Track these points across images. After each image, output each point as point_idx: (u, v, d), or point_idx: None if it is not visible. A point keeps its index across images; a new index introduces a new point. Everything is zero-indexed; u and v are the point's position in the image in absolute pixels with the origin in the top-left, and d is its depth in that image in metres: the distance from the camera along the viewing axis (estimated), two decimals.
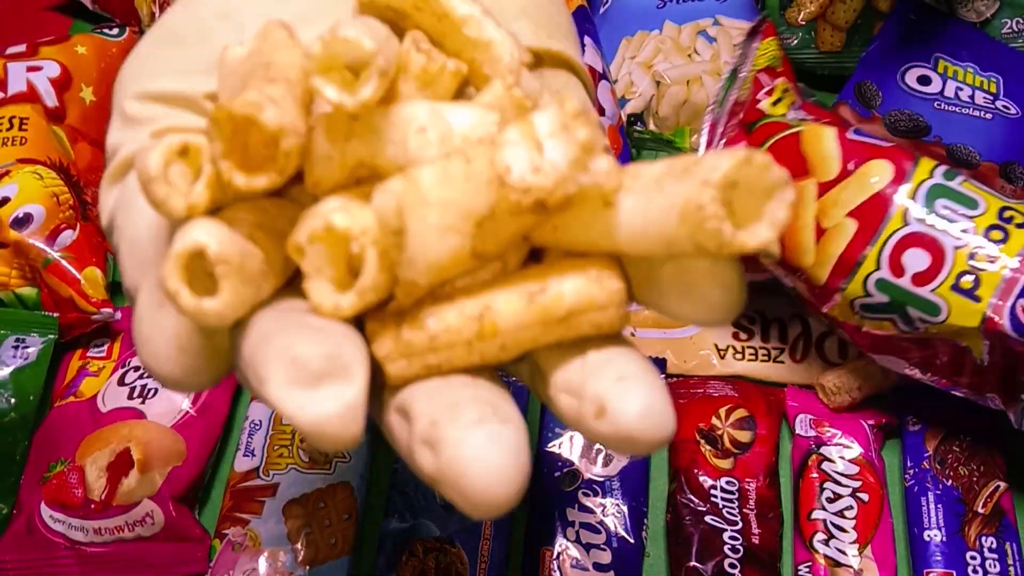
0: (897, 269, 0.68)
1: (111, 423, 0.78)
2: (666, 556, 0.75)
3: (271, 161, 0.35)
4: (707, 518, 0.74)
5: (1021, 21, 0.97)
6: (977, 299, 0.67)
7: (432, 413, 0.33)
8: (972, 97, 0.91)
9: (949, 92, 0.91)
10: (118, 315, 0.83)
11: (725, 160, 0.32)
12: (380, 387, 0.37)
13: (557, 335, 0.36)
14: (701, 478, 0.76)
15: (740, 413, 0.79)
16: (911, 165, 0.70)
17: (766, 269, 0.75)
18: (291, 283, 0.38)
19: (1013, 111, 0.90)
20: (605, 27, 0.98)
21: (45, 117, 0.91)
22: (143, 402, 0.79)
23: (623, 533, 0.74)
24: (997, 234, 0.67)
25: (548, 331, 0.36)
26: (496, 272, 0.36)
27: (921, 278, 0.68)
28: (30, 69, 0.93)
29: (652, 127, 0.92)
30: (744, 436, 0.78)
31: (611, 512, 0.74)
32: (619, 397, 0.33)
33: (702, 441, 0.78)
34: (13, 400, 0.79)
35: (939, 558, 0.72)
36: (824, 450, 0.77)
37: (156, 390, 0.79)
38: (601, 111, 0.86)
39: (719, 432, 0.78)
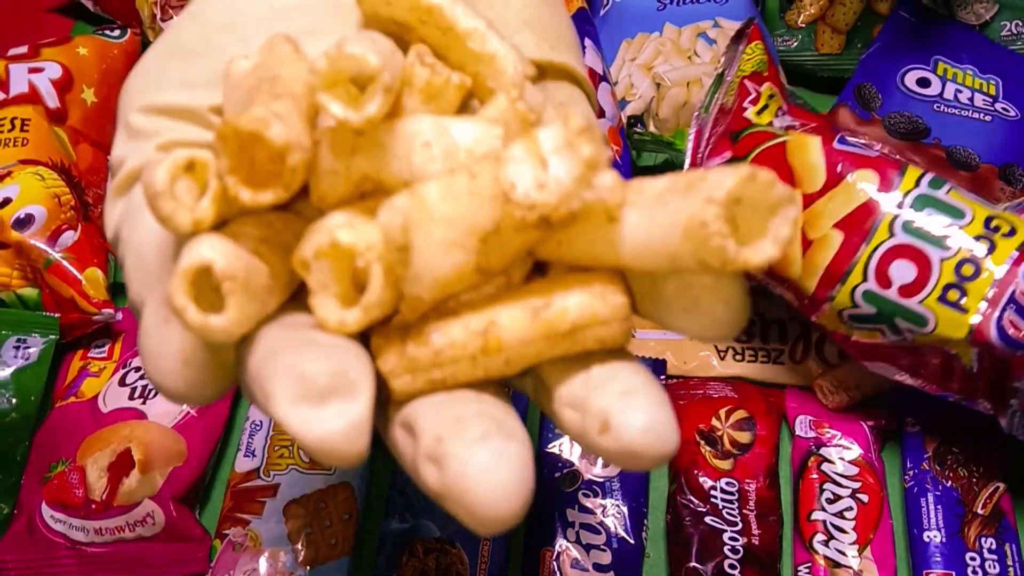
0: (884, 281, 0.68)
1: (112, 423, 0.78)
2: (666, 557, 0.75)
3: (277, 177, 0.35)
4: (707, 519, 0.74)
5: (1020, 23, 0.97)
6: (964, 310, 0.67)
7: (437, 429, 0.33)
8: (971, 99, 0.91)
9: (948, 94, 0.91)
10: (119, 316, 0.83)
11: (729, 177, 0.32)
12: (385, 401, 0.37)
13: (561, 350, 0.36)
14: (701, 479, 0.76)
15: (740, 414, 0.79)
16: (897, 175, 0.70)
17: (756, 276, 0.75)
18: (296, 296, 0.38)
19: (1012, 113, 0.90)
20: (605, 29, 0.98)
21: (47, 118, 0.91)
22: (144, 402, 0.79)
23: (623, 534, 0.74)
24: (983, 245, 0.67)
25: (552, 346, 0.36)
26: (500, 286, 0.37)
27: (908, 290, 0.68)
28: (32, 70, 0.93)
29: (652, 129, 0.92)
30: (744, 437, 0.78)
31: (611, 513, 0.75)
32: (623, 412, 0.33)
33: (702, 442, 0.78)
34: (14, 400, 0.79)
35: (939, 559, 0.72)
36: (824, 451, 0.77)
37: (157, 391, 0.79)
38: (601, 113, 0.85)
39: (719, 433, 0.78)
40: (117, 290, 0.86)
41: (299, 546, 0.73)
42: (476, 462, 0.32)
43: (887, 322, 0.69)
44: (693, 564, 0.72)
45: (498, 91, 0.39)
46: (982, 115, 0.90)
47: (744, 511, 0.74)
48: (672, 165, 0.93)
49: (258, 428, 0.79)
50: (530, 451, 0.33)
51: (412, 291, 0.35)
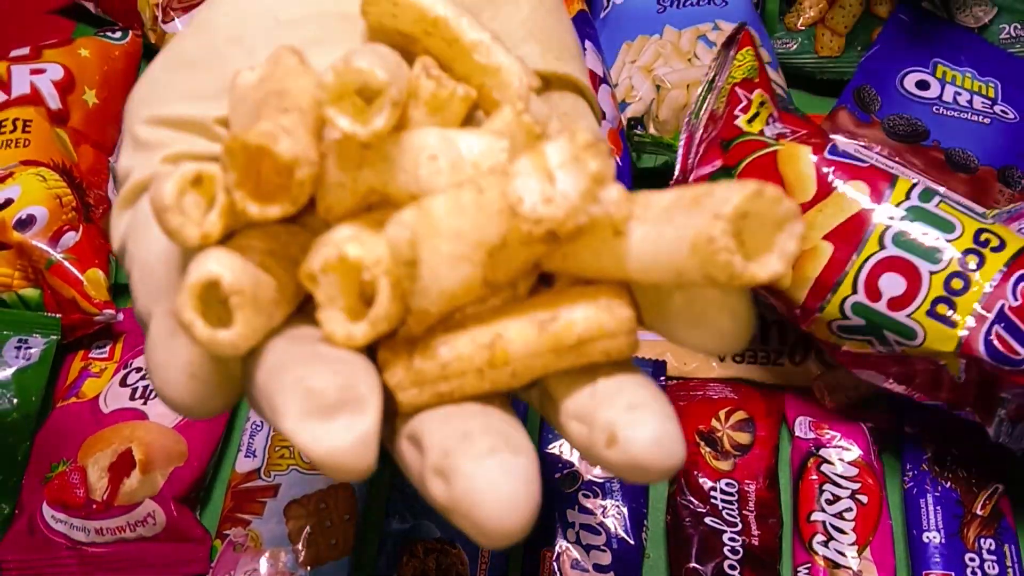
0: (873, 293, 0.68)
1: (113, 424, 0.78)
2: (666, 557, 0.75)
3: (285, 191, 0.35)
4: (707, 519, 0.74)
5: (1019, 26, 0.97)
6: (953, 324, 0.67)
7: (444, 443, 0.34)
8: (970, 102, 0.91)
9: (948, 97, 0.91)
10: (120, 316, 0.83)
11: (736, 193, 0.32)
12: (391, 414, 0.37)
13: (568, 362, 0.36)
14: (701, 480, 0.76)
15: (740, 415, 0.79)
16: (887, 187, 0.70)
17: None
18: (301, 308, 0.38)
19: (1011, 115, 0.90)
20: (605, 31, 0.98)
21: (48, 119, 0.91)
22: (145, 403, 0.79)
23: (623, 534, 0.74)
24: (973, 259, 0.67)
25: (559, 359, 0.36)
26: (506, 299, 0.37)
27: (897, 303, 0.68)
28: (33, 72, 0.93)
29: (652, 131, 0.92)
30: (744, 438, 0.78)
31: (611, 513, 0.75)
32: (630, 426, 0.33)
33: (702, 443, 0.78)
34: (15, 400, 0.79)
35: (938, 560, 0.72)
36: (823, 452, 0.77)
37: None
38: (602, 115, 0.85)
39: (719, 434, 0.78)
40: (118, 291, 0.86)
41: (300, 546, 0.73)
42: (484, 477, 0.32)
43: (876, 334, 0.69)
44: (693, 565, 0.72)
45: (503, 103, 0.39)
46: (981, 117, 0.90)
47: (744, 512, 0.74)
48: (672, 167, 0.93)
49: (259, 429, 0.79)
50: (537, 464, 0.33)
51: (419, 304, 0.35)
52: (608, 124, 0.87)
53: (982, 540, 0.72)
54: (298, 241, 0.38)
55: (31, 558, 0.74)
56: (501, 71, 0.39)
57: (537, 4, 0.46)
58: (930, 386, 0.70)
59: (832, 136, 0.87)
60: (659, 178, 0.90)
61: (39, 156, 0.87)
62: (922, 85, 0.92)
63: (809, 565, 0.72)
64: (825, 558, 0.72)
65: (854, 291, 0.69)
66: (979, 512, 0.73)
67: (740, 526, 0.73)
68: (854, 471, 0.76)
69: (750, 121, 0.74)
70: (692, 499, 0.75)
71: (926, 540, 0.73)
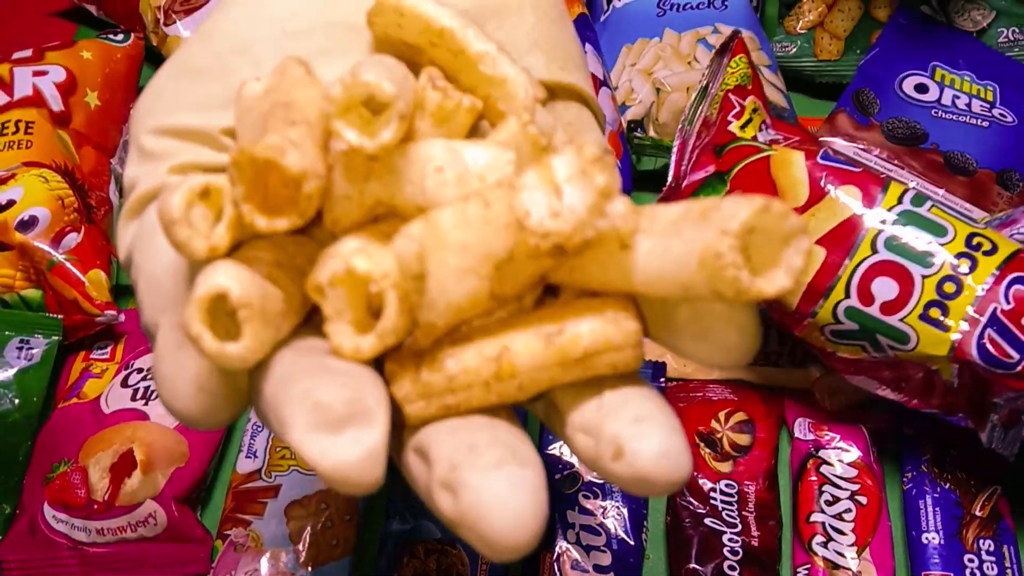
0: (866, 298, 0.69)
1: (114, 424, 0.78)
2: (666, 558, 0.75)
3: (292, 203, 0.35)
4: (706, 520, 0.74)
5: (1017, 30, 0.97)
6: (945, 328, 0.67)
7: (452, 456, 0.34)
8: (969, 105, 0.91)
9: (946, 100, 0.91)
10: (122, 317, 0.83)
11: (743, 208, 0.32)
12: (398, 426, 0.37)
13: (574, 375, 0.36)
14: (700, 481, 0.76)
15: (739, 416, 0.80)
16: (880, 191, 0.70)
17: None
18: (308, 319, 0.38)
19: (1010, 119, 0.90)
20: (606, 34, 0.98)
21: (51, 121, 0.91)
22: (146, 403, 0.79)
23: (623, 535, 0.74)
24: (965, 263, 0.67)
25: (565, 371, 0.36)
26: (513, 311, 0.37)
27: (890, 307, 0.68)
28: (36, 74, 0.93)
29: (652, 133, 0.92)
30: (743, 439, 0.78)
31: (611, 514, 0.75)
32: (636, 439, 0.34)
33: (701, 444, 0.78)
34: (17, 401, 0.79)
35: (937, 561, 0.72)
36: (823, 453, 0.77)
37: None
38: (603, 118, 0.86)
39: (718, 435, 0.79)
40: (120, 292, 0.86)
41: (300, 547, 0.73)
42: (491, 490, 0.32)
43: (869, 338, 0.69)
44: (693, 565, 0.72)
45: (509, 114, 0.39)
46: (980, 121, 0.90)
47: (743, 513, 0.74)
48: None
49: (259, 430, 0.79)
50: (543, 476, 0.33)
51: (426, 317, 0.35)
52: (608, 127, 0.87)
53: (981, 541, 0.72)
54: (305, 251, 0.38)
55: (32, 558, 0.74)
56: (507, 82, 0.40)
57: (542, 14, 0.46)
58: (923, 392, 0.70)
59: (831, 139, 0.87)
60: (659, 180, 0.90)
61: (41, 158, 0.87)
62: (921, 88, 0.92)
63: (808, 566, 0.72)
64: (824, 559, 0.72)
65: (847, 295, 0.69)
66: (978, 513, 0.73)
67: (740, 527, 0.74)
68: (853, 472, 0.76)
69: (743, 127, 0.74)
70: (692, 500, 0.75)
71: (925, 541, 0.73)
